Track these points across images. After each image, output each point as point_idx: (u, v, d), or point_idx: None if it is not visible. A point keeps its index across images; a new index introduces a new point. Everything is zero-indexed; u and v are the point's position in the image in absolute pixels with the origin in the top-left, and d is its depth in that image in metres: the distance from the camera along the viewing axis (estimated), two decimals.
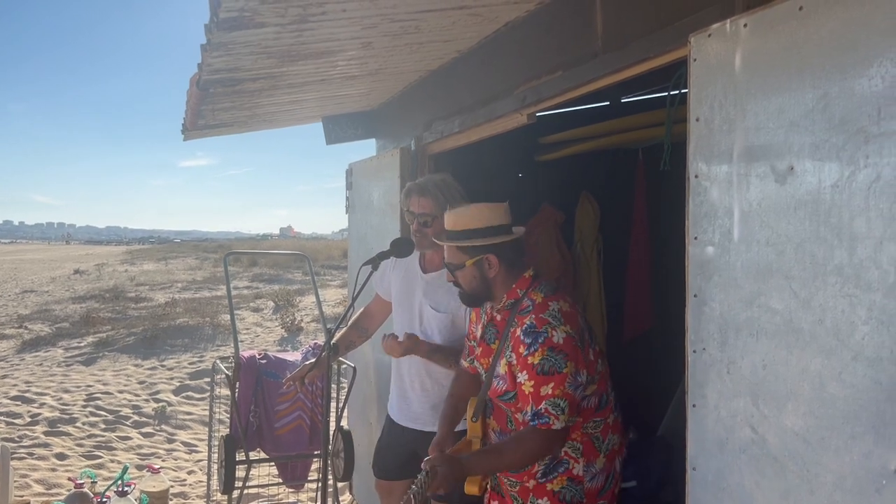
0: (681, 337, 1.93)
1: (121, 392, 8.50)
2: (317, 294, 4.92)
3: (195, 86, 3.27)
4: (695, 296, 1.86)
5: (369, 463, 3.53)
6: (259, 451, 4.18)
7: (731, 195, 1.74)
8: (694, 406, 1.87)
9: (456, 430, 2.62)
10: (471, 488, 2.39)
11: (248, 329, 12.84)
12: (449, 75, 3.69)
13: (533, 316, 2.29)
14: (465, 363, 2.71)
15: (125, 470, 3.60)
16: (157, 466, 4.06)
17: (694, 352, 1.87)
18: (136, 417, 7.53)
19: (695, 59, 1.86)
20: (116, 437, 6.93)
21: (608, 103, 4.86)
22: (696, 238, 1.86)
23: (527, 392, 2.24)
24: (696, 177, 1.85)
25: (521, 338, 2.28)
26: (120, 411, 7.69)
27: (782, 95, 1.60)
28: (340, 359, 3.86)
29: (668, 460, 4.10)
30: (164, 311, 13.81)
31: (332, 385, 4.51)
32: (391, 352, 2.89)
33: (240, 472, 3.96)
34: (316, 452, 4.26)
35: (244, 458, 3.96)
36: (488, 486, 2.57)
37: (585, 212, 4.80)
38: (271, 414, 4.20)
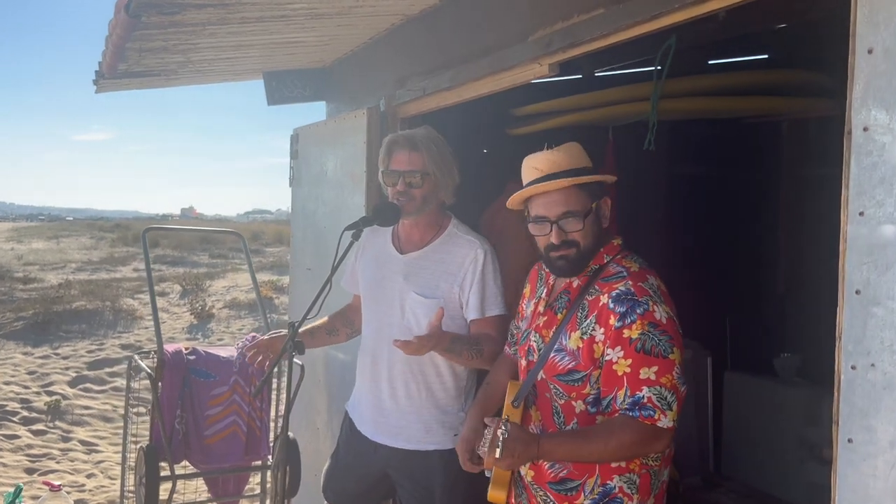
0: None
1: (7, 384, 7.69)
2: (253, 276, 4.31)
3: (123, 11, 2.57)
4: (857, 292, 1.37)
5: (315, 475, 2.95)
6: (186, 466, 3.52)
7: None
8: (850, 442, 1.38)
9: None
10: (497, 495, 1.99)
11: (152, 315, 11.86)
12: (432, 22, 3.13)
13: (630, 282, 1.84)
14: (509, 351, 2.29)
15: (18, 491, 2.88)
16: (57, 483, 3.32)
17: (853, 368, 1.37)
18: (24, 413, 6.83)
19: None
20: (2, 435, 6.22)
21: (580, 77, 4.43)
22: (861, 214, 1.36)
23: (620, 373, 1.79)
24: (866, 130, 1.36)
25: (612, 306, 1.82)
26: (6, 406, 6.95)
27: None
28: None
29: None
30: (57, 294, 12.54)
31: (274, 384, 3.90)
32: (416, 350, 2.23)
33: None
34: (255, 464, 3.63)
35: (168, 474, 3.30)
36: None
37: None
38: (200, 419, 3.53)
